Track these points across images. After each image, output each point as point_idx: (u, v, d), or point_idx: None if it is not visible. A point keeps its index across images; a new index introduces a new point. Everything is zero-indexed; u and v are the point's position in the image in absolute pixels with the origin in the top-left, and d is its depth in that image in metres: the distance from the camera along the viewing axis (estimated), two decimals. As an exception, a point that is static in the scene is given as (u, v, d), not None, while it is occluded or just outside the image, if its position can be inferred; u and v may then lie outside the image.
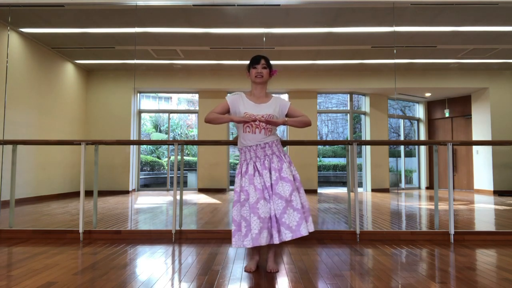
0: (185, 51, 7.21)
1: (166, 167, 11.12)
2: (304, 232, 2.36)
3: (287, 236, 2.36)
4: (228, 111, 2.58)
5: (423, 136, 10.31)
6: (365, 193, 8.67)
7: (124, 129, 8.22)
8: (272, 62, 2.61)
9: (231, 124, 9.45)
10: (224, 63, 8.03)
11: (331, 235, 3.57)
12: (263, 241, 2.34)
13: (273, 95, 2.65)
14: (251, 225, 2.36)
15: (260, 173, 2.46)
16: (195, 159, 10.86)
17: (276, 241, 2.37)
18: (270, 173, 2.47)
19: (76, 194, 7.24)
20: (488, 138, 8.54)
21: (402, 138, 10.36)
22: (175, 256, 2.93)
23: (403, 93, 9.60)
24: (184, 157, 10.66)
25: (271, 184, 2.44)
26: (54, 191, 7.02)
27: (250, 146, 2.51)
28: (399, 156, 10.17)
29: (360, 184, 9.20)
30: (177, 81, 8.58)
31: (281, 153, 2.54)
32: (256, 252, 2.58)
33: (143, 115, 9.61)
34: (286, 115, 2.60)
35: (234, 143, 4.78)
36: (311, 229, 2.45)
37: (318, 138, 11.89)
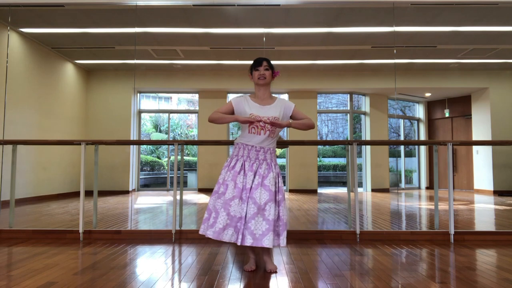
0: (185, 51, 7.21)
1: (166, 167, 11.12)
2: (266, 243, 2.33)
3: (248, 241, 2.36)
4: (232, 113, 2.59)
5: (423, 136, 10.31)
6: (365, 193, 8.67)
7: (124, 129, 8.21)
8: (272, 62, 2.63)
9: (231, 124, 9.47)
10: (224, 63, 8.03)
11: (331, 235, 3.57)
12: (226, 238, 2.36)
13: (277, 97, 2.67)
14: (218, 219, 2.40)
15: (245, 173, 2.48)
16: (195, 159, 10.86)
17: (238, 242, 2.37)
18: (254, 177, 2.47)
19: (76, 194, 7.24)
20: (488, 138, 8.54)
21: (402, 138, 10.36)
22: (175, 256, 2.93)
23: (403, 93, 9.60)
24: (184, 157, 10.66)
25: (251, 187, 2.45)
26: (54, 191, 7.02)
27: (246, 144, 2.52)
28: (399, 156, 10.17)
29: (360, 184, 9.19)
30: (177, 81, 8.58)
31: (272, 162, 2.54)
32: (250, 251, 2.60)
33: (143, 115, 9.61)
34: (290, 117, 2.62)
35: (234, 144, 4.78)
36: (283, 244, 2.44)
37: (318, 138, 11.89)
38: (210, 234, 2.41)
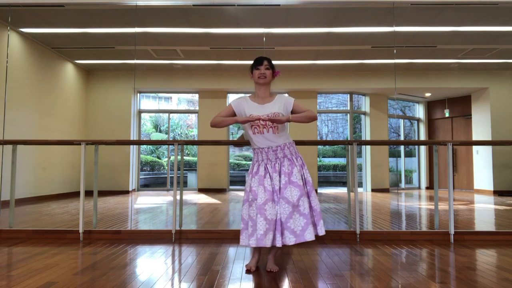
0: (185, 51, 7.21)
1: (166, 167, 11.12)
2: (308, 237, 2.37)
3: (291, 240, 2.37)
4: (233, 115, 2.60)
5: (423, 136, 10.31)
6: (365, 193, 8.67)
7: (124, 129, 8.21)
8: (272, 62, 2.63)
9: (231, 124, 9.47)
10: (224, 63, 8.03)
11: (331, 235, 3.57)
12: (268, 242, 2.36)
13: (277, 94, 2.67)
14: (257, 226, 2.38)
15: (270, 175, 2.48)
16: (195, 159, 10.86)
17: (278, 244, 2.37)
18: (280, 177, 2.48)
19: (76, 194, 7.24)
20: (488, 138, 8.53)
21: (402, 138, 10.36)
22: (175, 256, 2.93)
23: (403, 93, 9.60)
24: (184, 157, 10.66)
25: (280, 187, 2.46)
26: (54, 191, 7.02)
27: (262, 148, 2.53)
28: (399, 156, 10.17)
29: (360, 184, 9.19)
30: (177, 81, 8.58)
31: (293, 156, 2.54)
32: (257, 251, 2.59)
33: (143, 115, 9.61)
34: (291, 112, 2.61)
35: (234, 143, 4.78)
36: (321, 232, 2.47)
37: (318, 138, 11.89)
38: (253, 243, 2.40)
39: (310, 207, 2.49)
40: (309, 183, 2.53)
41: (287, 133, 2.65)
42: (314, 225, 2.47)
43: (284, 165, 2.49)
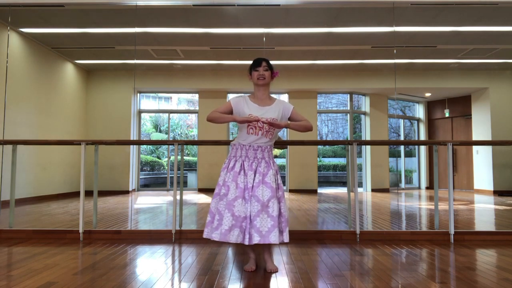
0: (185, 51, 7.21)
1: (166, 167, 11.12)
2: (273, 239, 2.35)
3: (255, 239, 2.37)
4: (231, 113, 2.58)
5: (423, 136, 10.31)
6: (365, 193, 8.67)
7: (124, 129, 8.22)
8: (272, 62, 2.63)
9: (231, 124, 9.46)
10: (224, 63, 8.03)
11: (331, 235, 3.57)
12: (232, 238, 2.36)
13: (276, 97, 2.67)
14: (223, 221, 2.40)
15: (245, 172, 2.48)
16: (195, 159, 10.86)
17: (246, 242, 2.37)
18: (254, 175, 2.48)
19: (76, 194, 7.24)
20: (488, 138, 8.53)
21: (402, 138, 10.36)
22: (175, 256, 2.93)
23: (403, 93, 9.60)
24: (184, 157, 10.66)
25: (252, 186, 2.46)
26: (54, 191, 7.02)
27: (243, 145, 2.53)
28: (399, 156, 10.17)
29: (360, 184, 9.19)
30: (177, 81, 8.58)
31: (270, 160, 2.56)
32: (251, 250, 2.59)
33: (143, 115, 9.61)
34: (289, 119, 2.62)
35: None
36: (286, 239, 2.45)
37: (318, 138, 11.89)
38: (215, 237, 2.41)
39: (280, 212, 2.48)
40: (281, 189, 2.55)
41: (277, 136, 2.67)
42: (281, 231, 2.46)
43: (261, 166, 2.50)
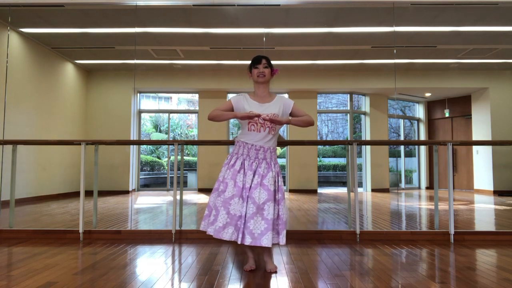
0: (185, 51, 7.21)
1: (166, 167, 11.12)
2: (265, 242, 2.33)
3: (247, 240, 2.36)
4: (231, 111, 2.59)
5: (423, 136, 10.31)
6: (365, 193, 8.67)
7: (124, 129, 8.22)
8: (272, 62, 2.63)
9: (231, 124, 9.47)
10: (224, 63, 8.03)
11: (331, 235, 3.57)
12: (226, 236, 2.36)
13: (276, 94, 2.67)
14: (218, 217, 2.41)
15: (245, 171, 2.48)
16: (195, 159, 10.86)
17: (239, 241, 2.37)
18: (253, 176, 2.47)
19: (76, 194, 7.24)
20: (488, 138, 8.53)
21: (402, 138, 10.36)
22: (175, 256, 2.93)
23: (403, 93, 9.60)
24: (184, 157, 10.66)
25: (250, 186, 2.45)
26: (54, 191, 7.03)
27: (246, 143, 2.52)
28: (399, 156, 10.17)
29: (360, 184, 9.19)
30: (177, 81, 8.58)
31: (272, 161, 2.54)
32: (249, 250, 2.60)
33: (143, 115, 9.61)
34: (290, 114, 2.61)
35: (234, 143, 4.77)
36: (282, 242, 2.43)
37: (318, 138, 11.89)
38: (211, 231, 2.42)
39: (278, 215, 2.47)
40: (281, 191, 2.53)
41: (279, 133, 2.66)
42: (278, 233, 2.45)
43: (261, 167, 2.49)
